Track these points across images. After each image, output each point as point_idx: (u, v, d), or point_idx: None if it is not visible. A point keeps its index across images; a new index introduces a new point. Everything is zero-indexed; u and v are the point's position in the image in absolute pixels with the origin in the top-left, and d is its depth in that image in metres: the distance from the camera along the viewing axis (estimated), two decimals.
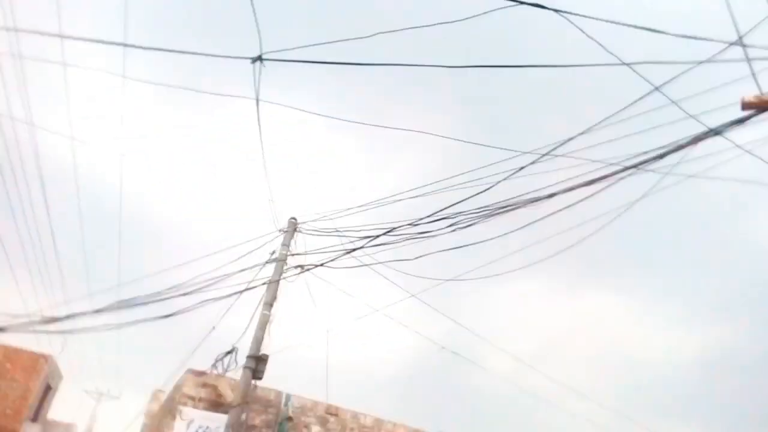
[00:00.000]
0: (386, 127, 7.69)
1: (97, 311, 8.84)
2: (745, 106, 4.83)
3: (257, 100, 5.19)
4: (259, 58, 4.57)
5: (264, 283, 8.80)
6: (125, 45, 6.30)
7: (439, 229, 6.81)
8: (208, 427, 7.92)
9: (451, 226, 6.41)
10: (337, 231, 8.31)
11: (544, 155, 5.42)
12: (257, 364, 8.10)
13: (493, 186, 5.73)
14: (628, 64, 4.60)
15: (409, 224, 6.76)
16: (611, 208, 6.42)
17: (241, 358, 8.91)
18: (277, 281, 8.60)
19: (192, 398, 8.19)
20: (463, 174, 6.05)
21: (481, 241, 6.73)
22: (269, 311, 8.49)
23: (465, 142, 7.32)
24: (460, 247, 6.61)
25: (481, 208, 6.13)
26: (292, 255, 8.81)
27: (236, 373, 8.67)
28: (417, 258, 6.93)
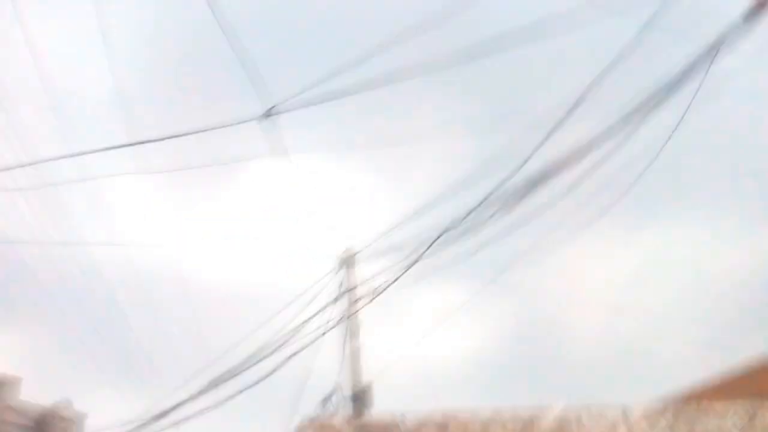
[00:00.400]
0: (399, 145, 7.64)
1: (200, 393, 9.15)
2: None
3: (274, 155, 5.27)
4: (268, 114, 4.63)
5: (340, 320, 8.92)
6: (133, 144, 6.50)
7: (491, 216, 6.73)
8: None
9: (500, 209, 6.32)
10: (393, 249, 8.33)
11: (573, 108, 5.27)
12: (363, 394, 8.21)
13: (531, 154, 5.61)
14: None
15: (459, 221, 6.71)
16: (649, 145, 6.18)
17: (346, 394, 9.06)
18: (355, 313, 8.69)
19: None
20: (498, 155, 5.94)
21: (534, 216, 6.61)
22: (357, 342, 8.59)
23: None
24: (517, 225, 6.51)
25: (526, 179, 6.02)
26: (355, 287, 8.89)
27: (346, 409, 8.80)
28: (478, 250, 6.86)
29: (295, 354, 8.56)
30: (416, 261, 7.87)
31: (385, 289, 8.46)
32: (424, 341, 9.62)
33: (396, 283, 8.25)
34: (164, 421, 9.65)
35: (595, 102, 5.10)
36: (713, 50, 4.55)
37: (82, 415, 16.39)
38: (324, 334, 9.01)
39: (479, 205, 6.24)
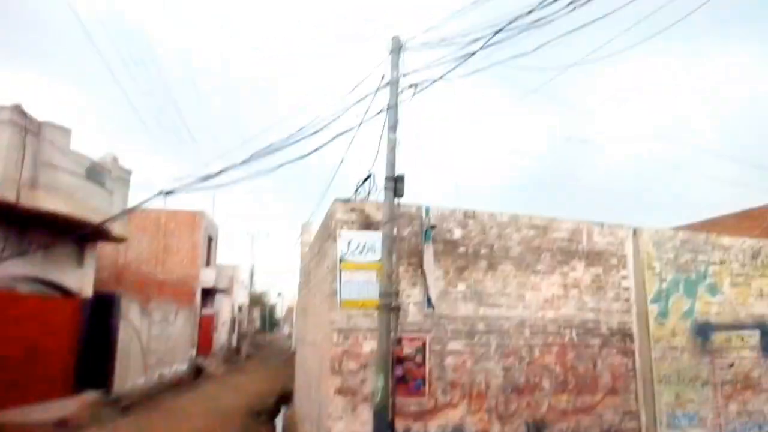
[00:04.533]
0: None
1: (243, 162, 9.67)
2: None
3: None
4: None
5: (380, 111, 9.04)
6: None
7: (554, 13, 6.42)
8: (365, 243, 8.87)
9: (570, 4, 6.00)
10: (445, 40, 8.11)
11: None
12: (396, 183, 8.69)
13: None
14: None
15: (520, 16, 6.41)
16: None
17: (379, 183, 9.56)
18: (395, 105, 8.77)
19: (345, 222, 9.07)
20: None
21: (602, 17, 6.28)
22: (395, 134, 8.82)
23: None
24: (583, 26, 6.22)
25: None
26: (404, 75, 8.83)
27: (377, 197, 9.38)
28: (536, 50, 6.66)
29: (336, 137, 8.85)
30: (465, 59, 7.72)
31: (430, 85, 8.44)
32: (461, 143, 9.85)
33: (441, 79, 8.19)
34: (208, 183, 10.34)
35: None
36: None
37: (128, 171, 17.60)
38: (361, 123, 9.24)
39: (539, 5, 5.93)
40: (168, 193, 10.36)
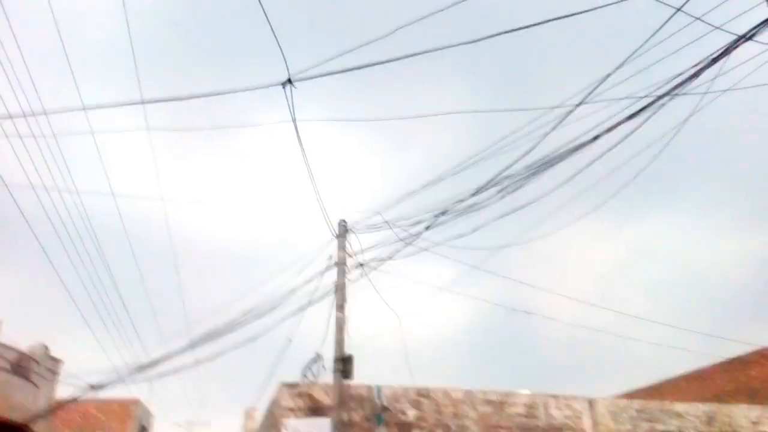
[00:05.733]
0: (404, 117, 7.77)
1: (183, 350, 9.25)
2: None
3: (294, 121, 5.37)
4: (289, 81, 4.72)
5: (327, 293, 9.08)
6: (145, 102, 6.53)
7: (488, 199, 6.91)
8: None
9: (500, 192, 6.50)
10: (388, 223, 8.49)
11: (578, 104, 5.44)
12: (344, 364, 8.41)
13: (537, 144, 5.78)
14: None
15: (458, 201, 6.88)
16: (654, 139, 6.41)
17: (326, 363, 9.25)
18: (343, 285, 8.85)
19: (291, 409, 8.54)
20: (507, 137, 6.10)
21: (532, 202, 6.82)
22: (343, 313, 8.76)
23: (489, 112, 7.39)
24: (514, 211, 6.71)
25: (527, 167, 6.19)
26: (350, 256, 9.04)
27: (326, 378, 9.01)
28: (474, 231, 7.05)
29: (281, 322, 8.73)
30: (410, 242, 8.06)
31: (376, 267, 8.66)
32: (407, 317, 9.86)
33: (390, 262, 8.46)
34: (143, 375, 9.75)
35: (606, 93, 5.28)
36: (734, 43, 4.71)
37: (58, 362, 16.41)
38: (309, 305, 9.18)
39: (481, 189, 6.41)
40: (97, 387, 9.69)
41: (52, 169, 9.07)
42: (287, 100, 4.89)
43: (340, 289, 8.88)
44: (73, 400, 9.75)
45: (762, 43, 5.00)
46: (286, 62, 4.65)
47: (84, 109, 6.97)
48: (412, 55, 4.99)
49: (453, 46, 4.99)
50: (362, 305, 9.33)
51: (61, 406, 14.20)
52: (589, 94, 5.30)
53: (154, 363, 9.49)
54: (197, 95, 5.05)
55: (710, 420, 12.00)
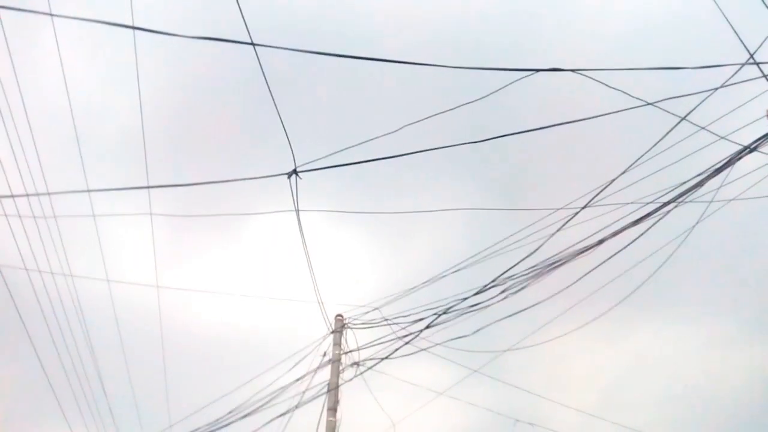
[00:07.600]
0: (407, 212, 7.75)
1: None
2: None
3: (297, 212, 5.33)
4: (294, 172, 4.73)
5: (322, 391, 8.63)
6: (149, 187, 6.53)
7: (490, 299, 6.72)
8: None
9: (503, 293, 6.33)
10: (387, 320, 8.22)
11: (584, 207, 5.42)
12: None
13: (542, 245, 5.69)
14: (652, 104, 4.69)
15: (460, 300, 6.69)
16: (657, 246, 6.35)
17: None
18: (336, 385, 8.41)
19: None
20: (509, 237, 6.04)
21: (535, 304, 6.63)
22: (334, 416, 8.26)
23: (494, 209, 7.41)
24: (517, 313, 6.50)
25: (530, 268, 6.07)
26: (346, 353, 8.67)
27: None
28: (475, 332, 6.79)
29: (268, 423, 8.27)
30: (409, 341, 7.76)
31: (372, 367, 8.30)
32: (402, 423, 9.31)
33: (388, 361, 8.12)
34: None
35: (609, 198, 5.29)
36: (738, 154, 4.76)
37: None
38: (298, 406, 8.70)
39: (484, 288, 6.24)
40: None
41: (48, 250, 8.95)
42: (291, 191, 4.90)
43: (333, 390, 8.42)
44: None
45: (763, 153, 5.07)
46: (293, 153, 4.69)
47: (88, 191, 6.98)
48: (416, 152, 5.03)
49: (458, 145, 5.04)
50: (354, 407, 8.84)
51: None
52: (594, 197, 5.30)
53: None
54: (202, 182, 5.05)
55: None
